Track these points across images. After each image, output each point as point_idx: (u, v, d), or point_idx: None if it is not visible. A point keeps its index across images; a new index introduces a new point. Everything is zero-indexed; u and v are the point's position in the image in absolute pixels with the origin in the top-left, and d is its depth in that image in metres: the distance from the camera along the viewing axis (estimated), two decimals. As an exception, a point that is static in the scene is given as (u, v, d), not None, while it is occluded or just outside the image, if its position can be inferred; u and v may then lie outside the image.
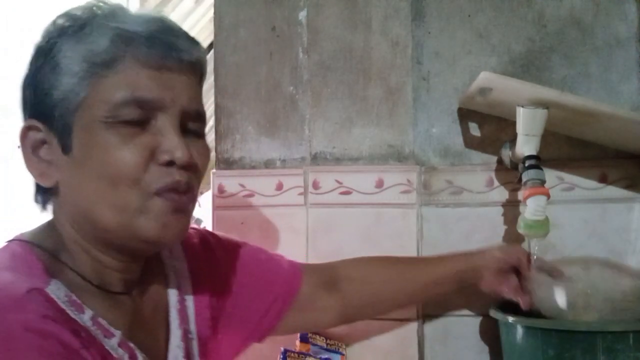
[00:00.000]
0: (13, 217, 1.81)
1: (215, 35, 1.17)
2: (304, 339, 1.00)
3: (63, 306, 0.58)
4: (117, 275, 0.66)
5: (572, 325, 0.83)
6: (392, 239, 1.09)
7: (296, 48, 1.14)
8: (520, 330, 0.86)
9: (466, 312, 1.07)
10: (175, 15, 2.65)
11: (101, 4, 0.64)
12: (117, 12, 0.63)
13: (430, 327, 1.08)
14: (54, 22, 0.64)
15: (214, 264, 0.81)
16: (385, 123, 1.11)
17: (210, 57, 1.11)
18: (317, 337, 1.02)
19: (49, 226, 0.66)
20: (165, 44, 0.62)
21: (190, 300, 0.76)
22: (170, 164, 0.61)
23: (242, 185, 1.13)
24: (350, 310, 0.92)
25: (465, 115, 1.10)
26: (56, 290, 0.59)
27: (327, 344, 1.02)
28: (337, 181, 1.11)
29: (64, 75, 0.61)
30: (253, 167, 1.14)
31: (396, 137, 1.11)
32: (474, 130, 1.10)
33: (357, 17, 1.13)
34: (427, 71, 1.11)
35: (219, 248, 0.83)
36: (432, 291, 0.97)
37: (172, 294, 0.74)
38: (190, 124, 0.66)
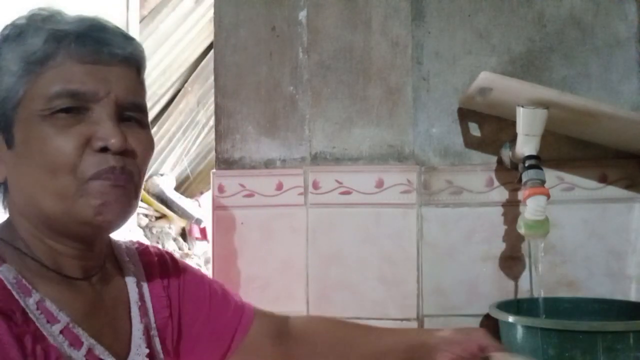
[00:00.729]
0: None
1: (215, 35, 1.17)
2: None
3: (9, 286, 0.60)
4: (74, 262, 0.69)
5: (572, 325, 0.83)
6: (392, 239, 1.09)
7: (296, 48, 1.14)
8: (520, 330, 0.86)
9: (466, 312, 1.07)
10: (175, 15, 2.65)
11: (42, 11, 0.68)
12: (54, 16, 0.67)
13: (430, 327, 1.08)
14: (1, 32, 0.68)
15: (168, 281, 0.81)
16: (385, 123, 1.11)
17: (210, 57, 1.11)
18: (317, 337, 1.02)
19: (7, 221, 0.69)
20: (96, 40, 0.66)
21: (148, 300, 0.77)
22: (104, 150, 0.64)
23: (242, 185, 1.13)
24: None
25: (465, 115, 1.10)
26: (5, 272, 0.61)
27: (327, 344, 1.02)
28: (337, 181, 1.11)
29: (3, 75, 0.65)
30: (253, 167, 1.14)
31: (396, 137, 1.11)
32: (474, 130, 1.10)
33: (357, 17, 1.13)
34: (427, 71, 1.11)
35: (175, 268, 0.84)
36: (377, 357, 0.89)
37: (132, 291, 0.76)
38: (128, 113, 0.68)
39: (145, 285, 0.78)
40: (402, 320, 1.07)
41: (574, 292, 1.04)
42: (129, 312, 0.74)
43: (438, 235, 1.08)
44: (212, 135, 1.24)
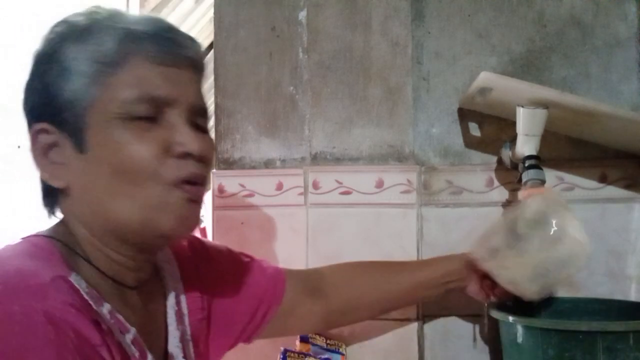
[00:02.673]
0: (15, 217, 1.81)
1: (215, 35, 1.17)
2: (304, 339, 1.00)
3: (86, 297, 0.58)
4: (131, 273, 0.67)
5: (572, 325, 0.83)
6: (392, 239, 1.09)
7: (296, 48, 1.14)
8: (520, 330, 0.86)
9: (466, 312, 1.07)
10: (175, 15, 2.65)
11: (100, 9, 0.65)
12: (118, 15, 0.64)
13: (430, 327, 1.08)
14: (53, 30, 0.65)
15: (201, 268, 0.81)
16: (385, 123, 1.11)
17: (210, 57, 1.11)
18: (317, 337, 1.02)
19: (63, 225, 0.67)
20: (170, 41, 0.64)
21: (184, 302, 0.76)
22: (185, 156, 0.63)
23: (242, 185, 1.13)
24: (334, 316, 0.93)
25: (465, 115, 1.10)
26: (78, 281, 0.59)
27: (327, 344, 1.02)
28: (337, 181, 1.11)
29: (72, 76, 0.61)
30: (253, 167, 1.14)
31: (396, 137, 1.11)
32: (474, 130, 1.10)
33: (357, 17, 1.13)
34: (427, 71, 1.11)
35: (205, 253, 0.84)
36: (418, 295, 0.97)
37: (170, 297, 0.75)
38: (197, 118, 0.67)
39: (181, 286, 0.77)
40: (402, 320, 1.07)
41: (574, 292, 1.04)
42: (165, 316, 0.73)
43: (438, 235, 1.08)
44: (212, 135, 1.24)
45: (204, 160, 0.65)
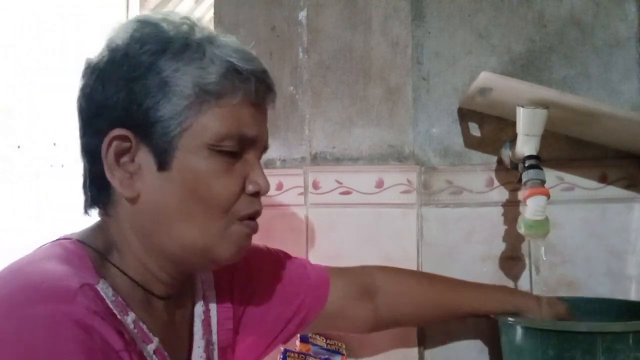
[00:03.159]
0: (15, 217, 1.81)
1: (215, 35, 1.17)
2: (304, 339, 1.00)
3: (111, 305, 0.59)
4: (162, 285, 0.68)
5: (572, 326, 0.83)
6: (392, 239, 1.09)
7: (296, 48, 1.14)
8: (520, 330, 0.86)
9: (466, 312, 1.07)
10: (175, 15, 2.65)
11: (188, 22, 0.65)
12: (215, 39, 0.65)
13: (431, 327, 1.08)
14: (140, 30, 0.63)
15: (237, 276, 0.81)
16: (385, 123, 1.11)
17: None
18: (317, 337, 1.02)
19: (99, 228, 0.67)
20: (267, 85, 0.67)
21: (214, 310, 0.76)
22: (255, 194, 0.67)
23: (242, 185, 1.13)
24: (381, 322, 0.92)
25: (465, 115, 1.10)
26: (105, 289, 0.59)
27: (327, 344, 1.02)
28: (337, 181, 1.11)
29: (173, 95, 0.61)
30: (253, 167, 1.14)
31: (396, 137, 1.11)
32: (474, 130, 1.10)
33: (357, 17, 1.13)
34: (427, 71, 1.11)
35: (243, 260, 0.83)
36: (465, 317, 0.96)
37: (198, 304, 0.75)
38: (261, 156, 0.71)
39: (213, 294, 0.77)
40: (402, 320, 1.07)
41: (574, 292, 1.04)
42: (192, 326, 0.73)
43: (438, 235, 1.08)
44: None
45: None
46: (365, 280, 0.91)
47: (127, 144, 0.62)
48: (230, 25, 1.16)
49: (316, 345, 1.00)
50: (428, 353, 1.08)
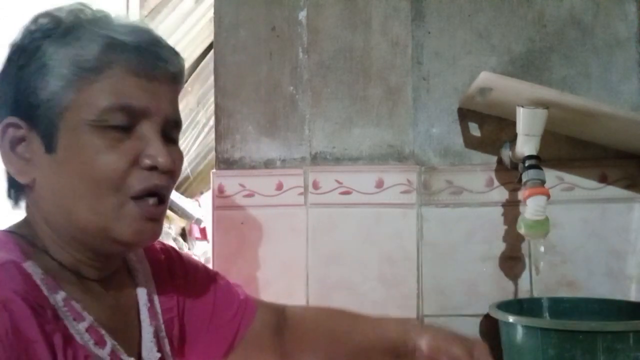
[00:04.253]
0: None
1: (215, 35, 1.17)
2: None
3: (38, 282, 0.59)
4: (92, 269, 0.68)
5: (572, 325, 0.83)
6: (392, 239, 1.09)
7: (296, 48, 1.14)
8: (520, 330, 0.86)
9: (466, 312, 1.07)
10: (175, 15, 2.65)
11: (86, 9, 0.65)
12: (104, 19, 0.65)
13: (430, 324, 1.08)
14: (36, 21, 0.64)
15: (175, 275, 0.81)
16: (385, 123, 1.11)
17: (210, 57, 1.11)
18: (317, 337, 1.02)
19: (25, 221, 0.68)
20: (153, 54, 0.65)
21: (157, 301, 0.77)
22: (152, 168, 0.64)
23: (242, 185, 1.13)
24: (288, 356, 0.89)
25: (465, 115, 1.10)
26: (34, 268, 0.60)
27: (327, 344, 1.02)
28: (337, 181, 1.11)
29: (51, 77, 0.62)
30: (253, 167, 1.14)
31: (396, 137, 1.11)
32: (474, 130, 1.10)
33: (357, 17, 1.13)
34: (427, 71, 1.11)
35: (180, 262, 0.83)
36: (370, 352, 0.86)
37: (141, 292, 0.75)
38: (170, 131, 0.68)
39: (153, 285, 0.77)
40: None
41: (574, 292, 1.04)
42: (139, 314, 0.73)
43: (438, 235, 1.08)
44: (212, 135, 1.24)
45: (170, 173, 0.66)
46: (279, 313, 0.89)
47: (20, 132, 0.63)
48: (230, 25, 1.16)
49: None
50: (428, 353, 1.07)
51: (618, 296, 1.03)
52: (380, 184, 1.10)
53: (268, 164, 1.14)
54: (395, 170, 1.10)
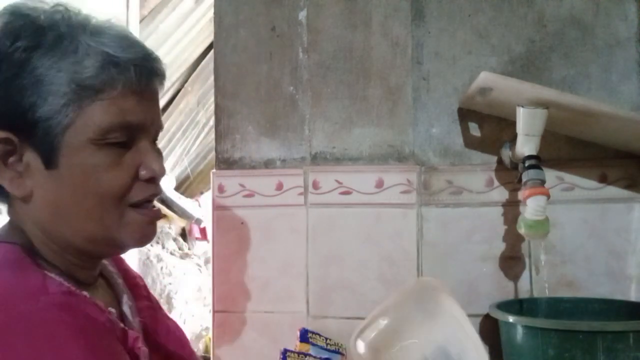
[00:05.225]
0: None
1: (215, 35, 1.17)
2: (304, 339, 1.00)
3: (68, 284, 0.62)
4: (85, 272, 0.70)
5: (572, 325, 0.83)
6: (392, 239, 1.09)
7: (296, 48, 1.14)
8: (520, 330, 0.86)
9: (466, 312, 1.06)
10: (175, 15, 2.65)
11: (63, 10, 0.63)
12: (92, 28, 0.63)
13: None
14: (11, 26, 0.61)
15: (141, 298, 0.82)
16: (385, 123, 1.11)
17: (210, 57, 1.11)
18: (317, 337, 1.02)
19: (14, 228, 0.67)
20: (148, 70, 0.66)
21: (133, 301, 0.78)
22: (150, 179, 0.67)
23: (242, 185, 1.13)
24: None
25: (465, 115, 1.10)
26: (55, 276, 0.62)
27: (327, 344, 1.02)
28: (337, 181, 1.11)
29: (49, 94, 0.60)
30: (253, 167, 1.14)
31: (396, 137, 1.11)
32: (474, 130, 1.10)
33: (357, 17, 1.13)
34: (427, 71, 1.11)
35: (146, 289, 0.85)
36: None
37: (124, 297, 0.77)
38: (155, 139, 0.71)
39: (128, 291, 0.79)
40: (402, 320, 1.07)
41: (574, 292, 1.04)
42: (123, 316, 0.74)
43: (438, 235, 1.08)
44: (212, 135, 1.24)
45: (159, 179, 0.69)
46: None
47: (11, 147, 0.62)
48: (230, 25, 1.16)
49: (316, 345, 1.00)
50: (428, 353, 1.07)
51: (618, 296, 1.03)
52: (380, 184, 1.10)
53: (268, 164, 1.14)
54: (395, 170, 1.10)
